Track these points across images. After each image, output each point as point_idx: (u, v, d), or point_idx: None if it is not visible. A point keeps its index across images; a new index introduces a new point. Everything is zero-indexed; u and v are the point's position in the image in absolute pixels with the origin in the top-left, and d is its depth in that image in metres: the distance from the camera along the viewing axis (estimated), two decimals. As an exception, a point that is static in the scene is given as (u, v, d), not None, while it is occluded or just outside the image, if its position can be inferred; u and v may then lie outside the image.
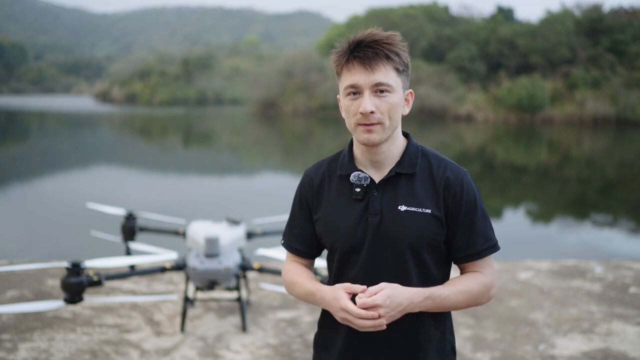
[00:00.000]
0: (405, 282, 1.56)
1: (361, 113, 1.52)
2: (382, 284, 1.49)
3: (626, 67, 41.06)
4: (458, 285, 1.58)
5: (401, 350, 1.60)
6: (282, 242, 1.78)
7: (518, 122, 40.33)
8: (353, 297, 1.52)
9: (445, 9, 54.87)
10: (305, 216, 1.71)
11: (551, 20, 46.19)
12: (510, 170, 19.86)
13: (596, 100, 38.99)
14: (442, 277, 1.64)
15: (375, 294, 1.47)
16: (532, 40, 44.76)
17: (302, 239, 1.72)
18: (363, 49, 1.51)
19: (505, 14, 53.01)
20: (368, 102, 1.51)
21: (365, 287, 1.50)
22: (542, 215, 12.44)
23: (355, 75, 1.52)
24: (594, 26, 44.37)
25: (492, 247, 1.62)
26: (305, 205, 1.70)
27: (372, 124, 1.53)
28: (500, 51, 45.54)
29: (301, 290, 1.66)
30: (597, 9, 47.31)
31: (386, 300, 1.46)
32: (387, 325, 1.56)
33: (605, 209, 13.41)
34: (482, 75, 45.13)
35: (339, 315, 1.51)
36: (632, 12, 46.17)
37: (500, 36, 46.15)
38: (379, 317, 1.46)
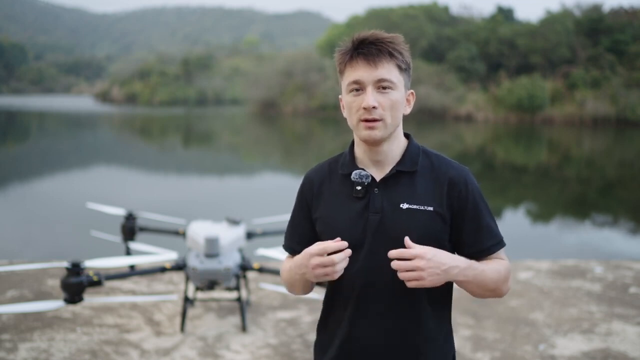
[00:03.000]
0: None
1: (364, 108, 1.52)
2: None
3: (626, 67, 41.07)
4: (490, 263, 1.59)
5: (402, 353, 1.59)
6: (284, 244, 1.78)
7: (518, 122, 40.34)
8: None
9: (445, 9, 54.88)
10: (305, 218, 1.70)
11: (551, 20, 46.20)
12: (510, 170, 19.86)
13: (596, 100, 39.00)
14: None
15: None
16: (532, 40, 44.77)
17: (301, 240, 1.71)
18: (367, 46, 1.53)
19: (505, 14, 53.01)
20: (371, 97, 1.51)
21: (342, 241, 1.50)
22: (542, 215, 12.44)
23: (358, 71, 1.53)
24: (594, 26, 44.37)
25: (499, 242, 1.62)
26: (306, 206, 1.70)
27: (374, 120, 1.53)
28: (500, 51, 45.55)
29: (288, 273, 1.67)
30: (597, 9, 47.32)
31: (428, 253, 1.44)
32: (388, 325, 1.55)
33: (605, 209, 13.41)
34: (482, 75, 45.13)
35: (312, 264, 1.49)
36: (632, 12, 46.17)
37: (500, 36, 46.16)
38: (420, 269, 1.42)
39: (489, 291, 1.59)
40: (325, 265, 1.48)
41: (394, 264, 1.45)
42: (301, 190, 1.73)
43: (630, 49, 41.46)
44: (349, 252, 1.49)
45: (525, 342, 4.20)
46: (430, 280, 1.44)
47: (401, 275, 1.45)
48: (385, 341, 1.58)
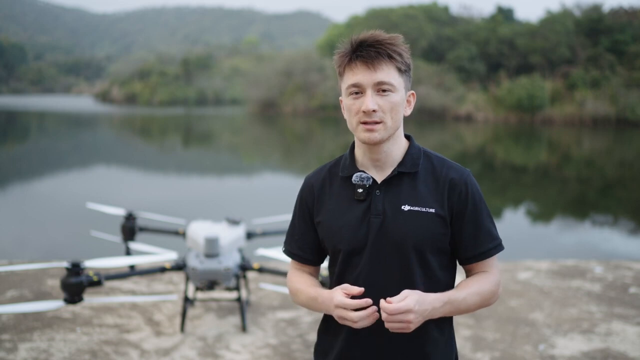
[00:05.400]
0: (409, 284, 1.55)
1: (363, 111, 1.52)
2: (406, 291, 1.47)
3: (626, 67, 41.05)
4: (471, 287, 1.58)
5: (404, 356, 1.58)
6: (284, 249, 1.77)
7: (518, 122, 40.34)
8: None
9: (445, 9, 54.88)
10: (306, 222, 1.70)
11: (551, 20, 46.19)
12: (510, 170, 19.85)
13: (596, 100, 39.00)
14: (447, 279, 1.62)
15: (402, 300, 1.44)
16: (532, 40, 44.78)
17: (302, 245, 1.71)
18: (366, 49, 1.52)
19: (505, 14, 53.01)
20: (370, 100, 1.51)
21: (362, 289, 1.49)
22: (542, 215, 12.44)
23: (357, 75, 1.52)
24: (594, 26, 44.37)
25: (498, 246, 1.62)
26: (306, 210, 1.69)
27: (374, 123, 1.52)
28: (500, 51, 45.55)
29: (304, 297, 1.66)
30: (597, 9, 47.30)
31: (416, 305, 1.44)
32: (388, 330, 1.54)
33: (605, 209, 13.40)
34: (482, 75, 45.13)
35: (336, 314, 1.50)
36: (632, 12, 46.17)
37: (500, 36, 46.16)
38: (409, 322, 1.43)
39: (472, 311, 1.60)
40: (346, 319, 1.48)
41: (385, 318, 1.44)
42: (301, 195, 1.72)
43: (630, 49, 41.45)
44: (373, 309, 1.48)
45: (525, 342, 4.20)
46: (415, 326, 1.46)
47: (389, 326, 1.45)
48: (388, 345, 1.58)
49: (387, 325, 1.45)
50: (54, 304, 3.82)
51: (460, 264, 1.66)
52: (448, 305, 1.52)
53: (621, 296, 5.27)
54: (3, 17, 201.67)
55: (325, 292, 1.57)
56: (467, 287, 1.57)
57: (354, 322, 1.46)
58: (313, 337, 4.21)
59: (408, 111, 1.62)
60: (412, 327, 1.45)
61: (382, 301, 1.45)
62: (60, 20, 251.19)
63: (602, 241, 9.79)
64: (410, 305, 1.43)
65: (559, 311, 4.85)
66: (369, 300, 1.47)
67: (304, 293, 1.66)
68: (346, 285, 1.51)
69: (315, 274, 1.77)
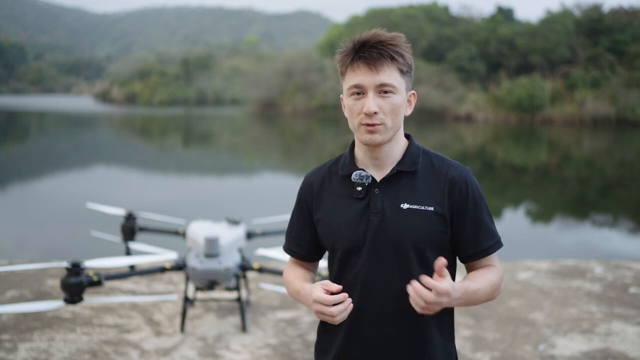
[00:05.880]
0: (408, 282, 1.53)
1: (365, 113, 1.52)
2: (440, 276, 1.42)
3: (626, 67, 41.07)
4: (483, 278, 1.57)
5: (404, 355, 1.58)
6: (283, 246, 1.80)
7: (518, 122, 40.35)
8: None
9: (445, 9, 54.92)
10: (304, 219, 1.71)
11: (551, 20, 46.22)
12: (510, 170, 19.86)
13: (596, 100, 39.02)
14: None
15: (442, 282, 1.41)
16: (532, 40, 44.81)
17: (300, 241, 1.73)
18: (368, 50, 1.52)
19: (505, 14, 53.04)
20: (372, 102, 1.51)
21: (340, 287, 1.50)
22: (541, 215, 12.44)
23: (359, 76, 1.53)
24: (594, 26, 44.40)
25: (497, 243, 1.62)
26: (305, 208, 1.70)
27: (375, 125, 1.53)
28: (500, 51, 45.56)
29: (291, 289, 1.70)
30: (597, 9, 47.32)
31: (453, 291, 1.41)
32: (389, 328, 1.55)
33: (605, 209, 13.40)
34: (482, 75, 45.15)
35: (313, 309, 1.51)
36: (632, 12, 46.20)
37: (500, 36, 46.18)
38: (441, 305, 1.40)
39: (480, 303, 1.60)
40: (324, 314, 1.49)
41: (423, 294, 1.39)
42: (300, 192, 1.73)
43: (630, 49, 41.47)
44: (349, 302, 1.49)
45: (525, 342, 4.20)
46: (432, 312, 1.44)
47: (422, 306, 1.41)
48: (386, 343, 1.58)
49: (418, 304, 1.40)
50: (54, 304, 3.82)
51: (461, 261, 1.67)
52: (465, 295, 1.50)
53: (621, 296, 5.27)
54: (3, 17, 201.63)
55: (307, 287, 1.60)
56: (479, 279, 1.57)
57: (333, 316, 1.47)
58: (313, 337, 4.21)
59: (409, 111, 1.63)
60: (437, 310, 1.43)
61: (425, 279, 1.40)
62: (60, 20, 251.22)
63: (602, 241, 9.79)
64: (449, 289, 1.40)
65: (559, 311, 4.85)
66: (345, 295, 1.49)
67: (292, 285, 1.70)
68: (326, 282, 1.52)
69: (313, 269, 1.79)
